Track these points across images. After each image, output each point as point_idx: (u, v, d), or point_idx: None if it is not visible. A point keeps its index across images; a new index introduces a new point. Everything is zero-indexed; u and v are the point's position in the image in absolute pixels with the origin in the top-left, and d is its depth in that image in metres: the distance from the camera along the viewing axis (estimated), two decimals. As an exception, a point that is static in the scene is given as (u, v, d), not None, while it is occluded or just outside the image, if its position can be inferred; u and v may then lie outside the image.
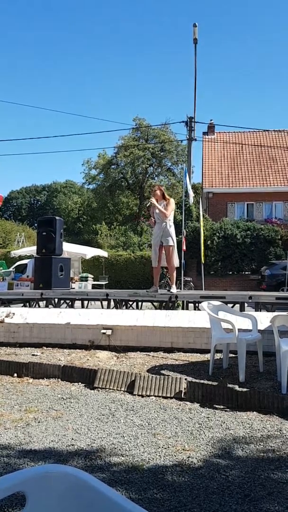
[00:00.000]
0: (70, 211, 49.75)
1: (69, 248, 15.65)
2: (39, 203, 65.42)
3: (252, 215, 24.14)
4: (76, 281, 13.82)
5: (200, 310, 6.95)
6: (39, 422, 3.59)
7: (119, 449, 3.05)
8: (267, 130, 27.54)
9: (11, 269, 14.69)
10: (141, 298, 8.96)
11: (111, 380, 4.51)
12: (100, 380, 4.53)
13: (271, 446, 3.13)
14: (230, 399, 3.97)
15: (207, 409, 3.91)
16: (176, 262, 7.77)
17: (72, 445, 3.13)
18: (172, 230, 7.51)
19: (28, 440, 3.22)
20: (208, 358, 5.40)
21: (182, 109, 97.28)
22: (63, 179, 70.99)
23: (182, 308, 8.97)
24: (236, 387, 4.33)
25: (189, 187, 14.56)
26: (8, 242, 31.36)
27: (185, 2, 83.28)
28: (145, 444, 3.14)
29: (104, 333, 6.24)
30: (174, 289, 7.81)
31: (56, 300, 9.53)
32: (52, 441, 3.20)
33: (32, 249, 16.82)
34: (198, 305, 7.90)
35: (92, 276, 15.69)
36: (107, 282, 16.67)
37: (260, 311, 7.54)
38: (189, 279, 15.68)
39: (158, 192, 7.67)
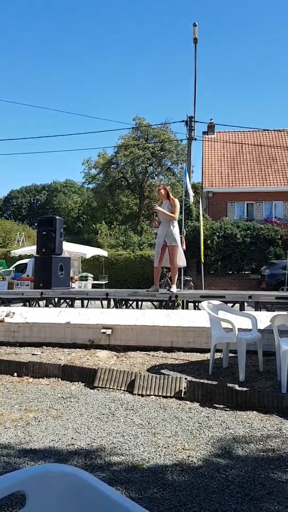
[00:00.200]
0: (70, 211, 49.73)
1: (69, 248, 15.65)
2: (39, 202, 65.41)
3: (252, 215, 24.14)
4: (76, 280, 13.81)
5: (200, 309, 6.95)
6: (39, 421, 3.59)
7: (119, 449, 3.05)
8: (267, 130, 27.53)
9: (11, 268, 14.68)
10: (141, 298, 8.96)
11: (111, 379, 4.51)
12: (100, 380, 4.53)
13: (271, 446, 3.13)
14: (230, 399, 3.97)
15: (207, 408, 3.91)
16: (182, 262, 7.85)
17: (72, 444, 3.13)
18: (176, 231, 7.58)
19: (28, 439, 3.22)
20: (208, 357, 5.40)
21: (182, 109, 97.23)
22: (63, 179, 71.04)
23: (182, 308, 8.97)
24: (236, 387, 4.33)
25: (189, 186, 14.56)
26: (8, 241, 31.36)
27: (185, 2, 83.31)
28: (145, 443, 3.14)
29: (104, 332, 6.24)
30: (174, 289, 7.82)
31: (56, 299, 9.54)
32: (52, 440, 3.20)
33: (32, 249, 16.82)
34: (198, 304, 7.90)
35: (92, 276, 15.68)
36: (107, 281, 16.67)
37: (260, 310, 7.54)
38: (189, 278, 15.68)
39: (162, 191, 7.70)
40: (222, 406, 3.95)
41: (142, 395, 4.26)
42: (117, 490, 2.43)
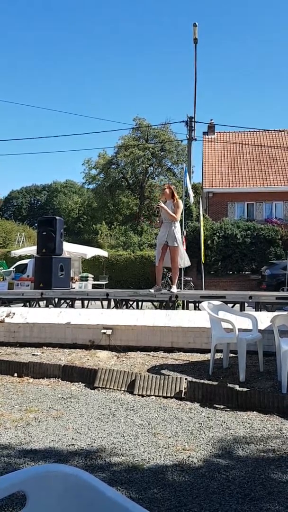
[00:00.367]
0: (70, 211, 49.73)
1: (69, 248, 15.66)
2: (39, 203, 65.41)
3: (252, 215, 24.14)
4: (76, 281, 13.82)
5: (200, 310, 6.95)
6: (39, 421, 3.59)
7: (120, 449, 3.05)
8: (267, 130, 27.53)
9: (11, 269, 14.69)
10: (141, 298, 8.96)
11: (111, 379, 4.51)
12: (101, 380, 4.53)
13: (271, 446, 3.13)
14: (230, 399, 3.97)
15: (207, 408, 3.91)
16: (187, 262, 7.87)
17: (73, 444, 3.13)
18: (177, 231, 7.60)
19: (29, 439, 3.22)
20: (208, 357, 5.40)
21: (182, 109, 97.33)
22: (63, 179, 71.02)
23: (182, 308, 8.97)
24: (237, 387, 4.33)
25: (189, 187, 14.57)
26: (8, 242, 31.37)
27: (185, 2, 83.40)
28: (145, 443, 3.14)
29: (104, 333, 6.24)
30: (174, 289, 7.82)
31: (56, 300, 9.54)
32: (52, 440, 3.20)
33: (32, 249, 16.83)
34: (198, 305, 7.91)
35: (92, 276, 15.70)
36: (107, 282, 16.68)
37: (260, 311, 7.54)
38: (189, 278, 15.67)
39: (167, 190, 7.71)
40: (222, 406, 3.94)
41: (143, 396, 4.26)
42: (118, 490, 2.43)
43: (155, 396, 4.24)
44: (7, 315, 6.90)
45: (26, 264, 15.23)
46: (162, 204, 7.58)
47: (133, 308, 9.69)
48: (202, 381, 4.42)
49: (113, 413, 3.79)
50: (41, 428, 3.44)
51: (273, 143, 26.21)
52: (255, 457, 2.96)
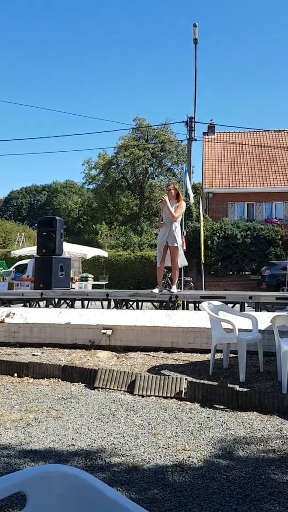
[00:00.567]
0: (70, 211, 49.73)
1: (69, 248, 15.66)
2: (39, 203, 65.42)
3: (252, 215, 24.14)
4: (76, 281, 13.82)
5: (200, 310, 6.95)
6: (39, 422, 3.59)
7: (120, 449, 3.05)
8: (267, 130, 27.53)
9: (11, 269, 14.69)
10: (141, 298, 8.95)
11: (111, 380, 4.51)
12: (101, 380, 4.53)
13: (272, 446, 3.13)
14: (230, 399, 3.97)
15: (208, 409, 3.90)
16: (183, 262, 7.87)
17: (73, 445, 3.13)
18: (178, 232, 7.62)
19: (29, 440, 3.22)
20: (208, 358, 5.40)
21: (182, 109, 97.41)
22: (63, 179, 71.07)
23: (182, 308, 8.97)
24: (237, 387, 4.33)
25: (189, 187, 14.57)
26: (8, 242, 31.39)
27: (185, 2, 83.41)
28: (145, 444, 3.14)
29: (104, 333, 6.24)
30: (174, 289, 7.83)
31: (56, 300, 9.53)
32: (52, 441, 3.19)
33: (32, 249, 16.83)
34: (198, 305, 7.90)
35: (92, 276, 15.70)
36: (107, 282, 16.68)
37: (261, 311, 7.53)
38: (189, 279, 15.67)
39: (173, 191, 7.71)
40: (222, 406, 3.94)
41: (143, 396, 4.25)
42: (118, 490, 2.43)
43: (155, 396, 4.23)
44: (7, 315, 6.90)
45: (26, 264, 15.23)
46: (166, 199, 7.57)
47: (133, 308, 9.69)
48: (202, 381, 4.42)
49: (113, 413, 3.78)
50: (41, 429, 3.44)
51: (273, 143, 26.21)
52: (255, 457, 2.95)
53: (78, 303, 11.35)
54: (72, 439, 3.23)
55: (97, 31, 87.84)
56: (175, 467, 2.78)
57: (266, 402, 3.83)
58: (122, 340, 6.24)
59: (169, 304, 8.20)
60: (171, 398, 4.19)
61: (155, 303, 9.67)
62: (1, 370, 5.19)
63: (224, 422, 3.57)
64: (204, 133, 26.81)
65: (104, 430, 3.39)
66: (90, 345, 6.27)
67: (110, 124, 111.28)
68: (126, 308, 9.61)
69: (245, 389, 4.20)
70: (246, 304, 7.76)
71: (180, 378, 4.40)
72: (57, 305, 9.44)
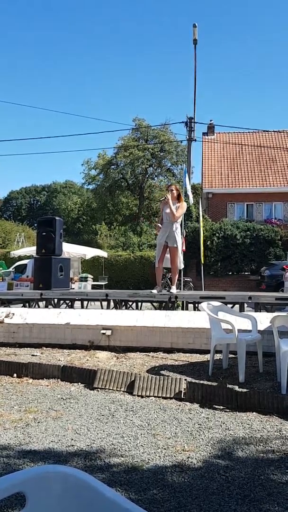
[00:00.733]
0: (70, 211, 49.74)
1: (69, 249, 15.68)
2: (39, 203, 65.42)
3: (252, 216, 24.15)
4: (75, 281, 13.82)
5: (199, 310, 6.94)
6: (38, 422, 3.59)
7: (119, 450, 3.05)
8: (267, 131, 27.55)
9: (10, 269, 14.70)
10: (140, 299, 8.95)
11: (110, 380, 4.51)
12: (100, 381, 4.53)
13: (271, 447, 3.13)
14: (229, 400, 3.97)
15: (207, 409, 3.91)
16: (180, 264, 7.86)
17: (72, 445, 3.13)
18: (178, 232, 7.61)
19: (28, 440, 3.22)
20: (207, 358, 5.40)
21: (182, 109, 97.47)
22: (63, 179, 71.14)
23: (182, 309, 8.97)
24: (236, 388, 4.33)
25: (189, 187, 14.57)
26: (8, 242, 31.40)
27: (185, 2, 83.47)
28: (144, 444, 3.14)
29: (103, 333, 6.24)
30: (174, 290, 7.83)
31: (56, 300, 9.52)
32: (51, 441, 3.19)
33: (31, 249, 16.84)
34: (198, 305, 7.89)
35: (91, 277, 15.72)
36: (106, 282, 16.68)
37: (260, 311, 7.54)
38: (188, 279, 15.68)
39: (174, 192, 7.69)
40: (222, 407, 3.94)
41: (142, 396, 4.25)
42: (117, 491, 2.43)
43: (155, 396, 4.23)
44: (7, 316, 6.90)
45: (25, 265, 15.23)
46: (169, 196, 7.55)
47: (133, 309, 9.68)
48: (201, 381, 4.42)
49: (112, 413, 3.78)
50: (41, 429, 3.44)
51: (273, 144, 26.23)
52: (254, 458, 2.95)
53: (77, 304, 11.34)
54: (72, 439, 3.23)
55: (97, 31, 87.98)
56: (175, 468, 2.78)
57: (266, 403, 3.83)
58: (122, 340, 6.24)
59: (168, 304, 8.20)
60: (171, 398, 4.19)
61: (154, 304, 9.67)
62: (0, 371, 5.19)
63: (224, 423, 3.57)
64: (203, 134, 26.83)
65: (104, 431, 3.39)
66: (89, 345, 6.27)
67: (110, 124, 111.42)
68: (126, 308, 9.60)
69: (245, 390, 4.21)
70: (245, 305, 7.76)
71: (180, 378, 4.40)
72: (57, 306, 9.44)
